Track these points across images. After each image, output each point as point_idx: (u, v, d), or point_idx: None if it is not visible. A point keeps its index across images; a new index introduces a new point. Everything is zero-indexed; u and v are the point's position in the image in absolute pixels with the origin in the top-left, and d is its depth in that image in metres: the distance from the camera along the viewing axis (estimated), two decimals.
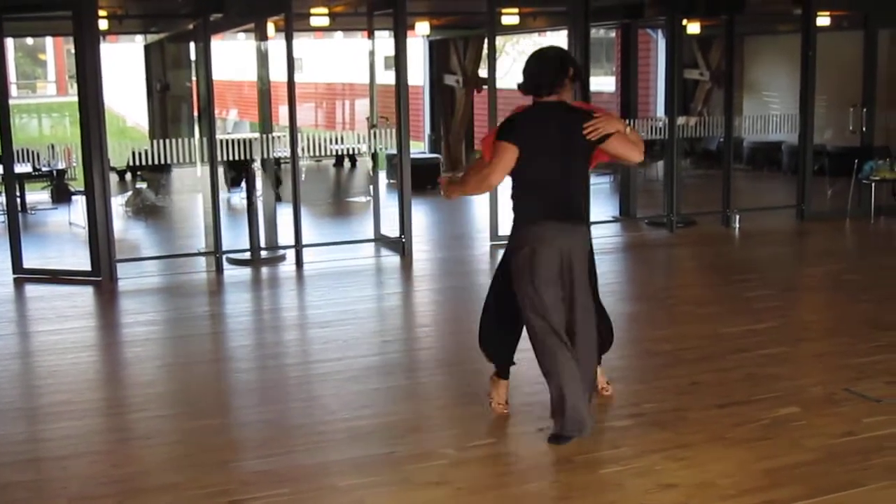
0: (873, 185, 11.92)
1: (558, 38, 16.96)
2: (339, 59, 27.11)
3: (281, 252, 10.31)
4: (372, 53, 11.38)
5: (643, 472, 4.78)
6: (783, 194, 13.55)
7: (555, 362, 5.02)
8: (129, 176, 14.56)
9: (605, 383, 5.86)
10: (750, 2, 11.63)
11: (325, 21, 12.81)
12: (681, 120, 11.86)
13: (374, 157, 11.72)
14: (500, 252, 10.20)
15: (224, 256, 9.84)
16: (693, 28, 13.58)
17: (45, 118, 30.17)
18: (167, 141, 9.59)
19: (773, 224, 11.94)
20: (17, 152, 9.88)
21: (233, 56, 20.63)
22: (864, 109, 12.21)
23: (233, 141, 10.13)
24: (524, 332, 5.26)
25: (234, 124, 24.91)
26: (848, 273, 9.40)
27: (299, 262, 9.99)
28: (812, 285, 9.20)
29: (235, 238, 10.60)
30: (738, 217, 11.74)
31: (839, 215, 12.14)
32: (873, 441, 5.11)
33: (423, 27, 15.42)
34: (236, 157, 10.05)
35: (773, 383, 6.03)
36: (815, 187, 12.37)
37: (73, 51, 9.31)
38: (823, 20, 12.23)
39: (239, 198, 13.24)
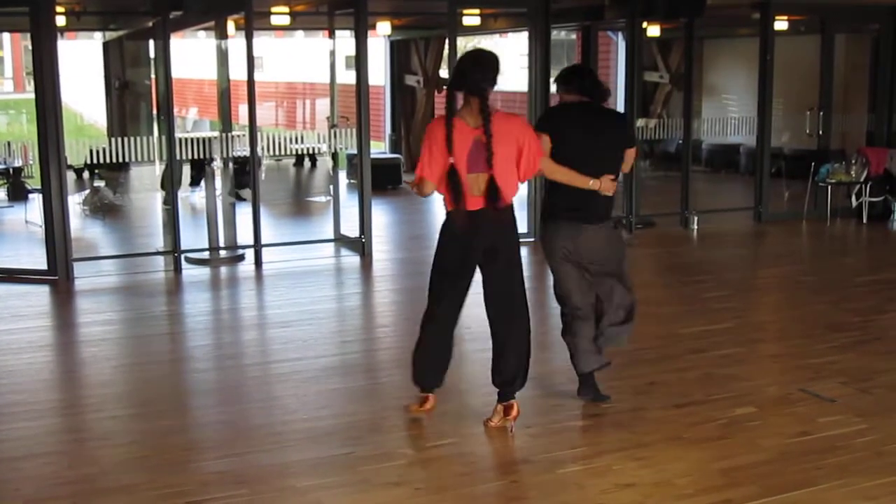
0: (829, 187, 12.06)
1: (519, 40, 17.01)
2: (299, 58, 27.02)
3: (240, 252, 10.26)
4: (333, 53, 11.34)
5: (601, 472, 4.80)
6: (741, 196, 13.66)
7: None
8: (86, 174, 14.43)
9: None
10: (709, 5, 11.71)
11: (285, 20, 12.75)
12: (640, 122, 11.95)
13: (335, 156, 11.70)
14: None
15: (182, 256, 9.77)
16: (653, 31, 13.64)
17: (2, 115, 29.79)
18: (126, 139, 9.51)
19: (731, 225, 12.05)
20: None
21: (193, 54, 20.51)
22: (821, 113, 12.35)
23: (192, 139, 10.07)
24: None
25: (193, 123, 24.75)
26: (804, 275, 9.50)
27: (258, 262, 9.95)
28: (768, 286, 9.29)
29: (194, 237, 10.53)
30: (696, 218, 11.82)
31: (796, 217, 12.26)
32: (827, 441, 5.17)
33: (384, 27, 15.40)
34: (196, 156, 10.00)
35: (729, 383, 6.09)
36: (773, 189, 12.50)
37: (30, 47, 9.20)
38: (781, 24, 12.36)
39: (199, 196, 13.15)
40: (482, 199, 5.13)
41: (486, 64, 5.15)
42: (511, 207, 5.24)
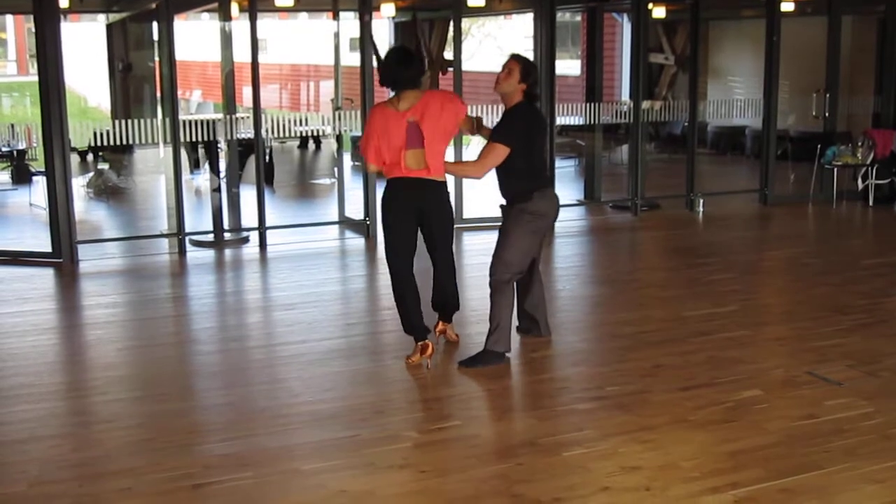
0: (835, 170, 12.01)
1: (524, 21, 16.93)
2: (303, 40, 26.94)
3: (244, 234, 10.25)
4: (337, 35, 11.31)
5: (606, 455, 4.79)
6: (746, 178, 13.64)
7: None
8: (90, 156, 14.42)
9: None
10: None
11: (289, 1, 12.70)
12: (646, 104, 11.89)
13: (339, 138, 11.67)
14: (466, 235, 10.22)
15: (187, 238, 9.76)
16: (658, 12, 13.58)
17: (6, 98, 29.74)
18: (129, 121, 9.49)
19: (737, 208, 12.02)
20: None
21: (196, 36, 20.45)
22: (827, 95, 12.29)
23: (196, 122, 10.04)
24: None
25: (197, 105, 24.72)
26: (809, 257, 9.47)
27: (263, 245, 9.94)
28: (774, 269, 9.26)
29: (199, 220, 10.53)
30: (701, 201, 11.79)
31: (802, 200, 12.23)
32: (834, 424, 5.16)
33: (388, 8, 15.30)
34: (200, 139, 9.97)
35: (735, 366, 6.07)
36: (778, 172, 12.46)
37: (33, 29, 9.16)
38: (787, 5, 12.28)
39: (203, 179, 13.13)
40: None
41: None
42: None
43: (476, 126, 6.41)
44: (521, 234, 6.12)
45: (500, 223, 6.26)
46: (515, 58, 6.15)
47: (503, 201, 6.25)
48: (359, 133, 10.65)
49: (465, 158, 10.87)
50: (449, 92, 6.46)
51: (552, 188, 6.47)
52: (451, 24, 11.08)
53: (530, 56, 11.06)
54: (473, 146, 14.32)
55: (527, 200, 6.10)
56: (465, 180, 10.42)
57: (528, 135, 6.08)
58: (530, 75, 6.09)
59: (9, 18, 35.51)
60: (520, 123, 6.06)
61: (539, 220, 6.16)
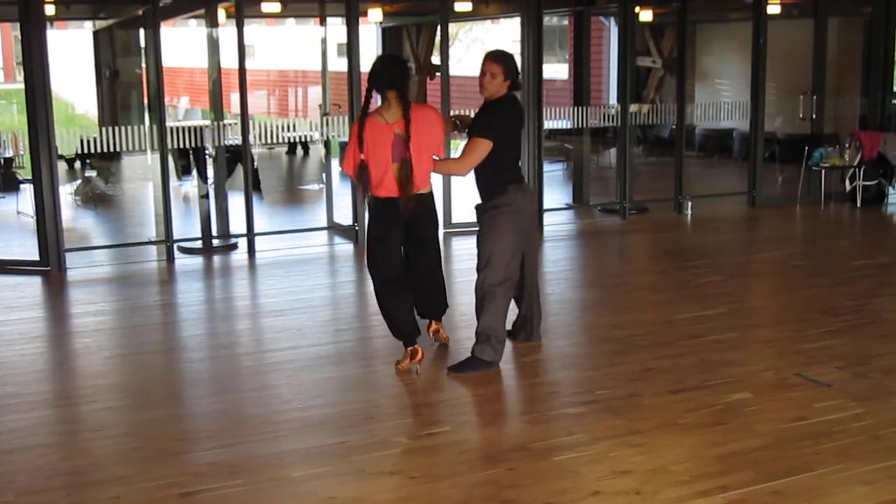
0: (823, 171, 12.05)
1: (511, 26, 16.95)
2: (290, 46, 26.92)
3: (233, 240, 10.22)
4: (324, 40, 11.30)
5: (597, 459, 4.79)
6: (734, 181, 13.67)
7: None
8: (78, 164, 14.36)
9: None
10: None
11: (276, 7, 12.67)
12: (633, 107, 11.90)
13: (327, 144, 11.65)
14: (454, 239, 10.22)
15: (175, 245, 9.73)
16: (645, 16, 13.62)
17: None
18: (117, 128, 9.46)
19: (725, 210, 12.04)
20: None
21: (183, 43, 20.42)
22: (814, 97, 12.32)
23: (184, 128, 10.01)
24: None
25: (185, 112, 24.67)
26: (798, 259, 9.49)
27: (251, 251, 9.91)
28: (763, 271, 9.28)
29: (187, 226, 10.49)
30: (689, 204, 11.81)
31: (789, 202, 12.26)
32: (824, 425, 5.16)
33: (375, 14, 15.32)
34: (188, 145, 9.95)
35: (725, 369, 6.08)
36: (766, 174, 12.49)
37: (19, 37, 9.13)
38: (774, 8, 12.32)
39: (191, 185, 13.09)
40: None
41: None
42: None
43: (461, 124, 6.40)
44: (501, 233, 6.05)
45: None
46: (494, 59, 6.08)
47: (479, 201, 6.20)
48: (346, 139, 10.65)
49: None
50: (425, 105, 6.43)
51: (527, 183, 6.45)
52: (439, 28, 11.07)
53: (518, 59, 11.08)
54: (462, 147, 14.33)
55: (502, 193, 6.06)
56: (453, 183, 10.41)
57: (509, 127, 6.08)
58: (512, 71, 6.06)
59: None
60: (502, 116, 6.04)
61: (516, 216, 6.08)
